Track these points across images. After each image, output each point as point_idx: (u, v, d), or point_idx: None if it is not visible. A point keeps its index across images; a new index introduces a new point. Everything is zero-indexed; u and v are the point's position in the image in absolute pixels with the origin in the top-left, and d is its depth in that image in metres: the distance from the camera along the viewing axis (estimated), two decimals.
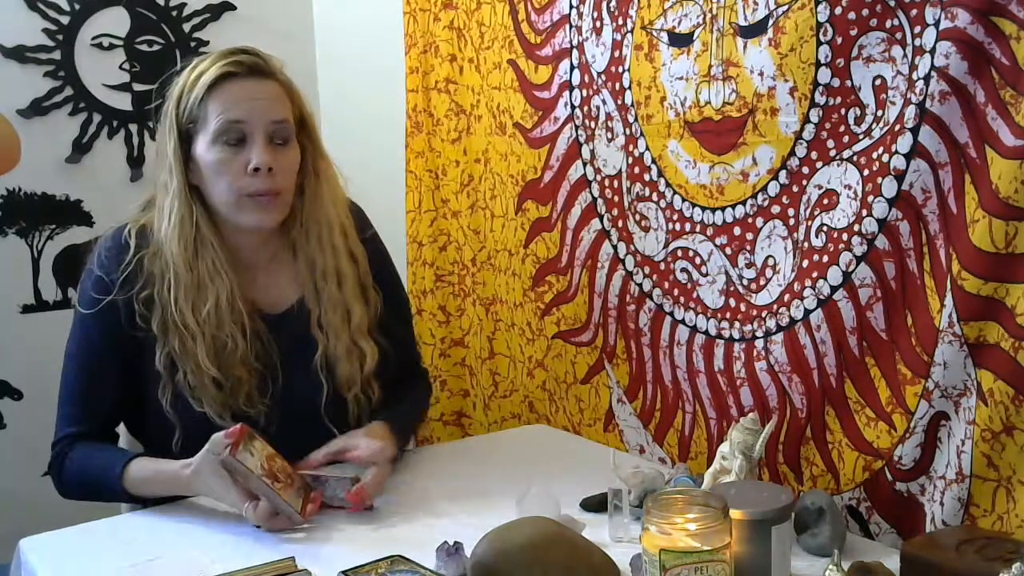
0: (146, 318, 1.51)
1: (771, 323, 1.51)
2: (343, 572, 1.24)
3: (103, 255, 1.55)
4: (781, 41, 1.44)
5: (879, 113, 1.35)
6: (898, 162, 1.31)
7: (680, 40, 1.61)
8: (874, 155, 1.35)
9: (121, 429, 1.67)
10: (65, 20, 2.47)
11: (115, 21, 2.54)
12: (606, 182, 1.81)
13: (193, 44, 2.65)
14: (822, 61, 1.40)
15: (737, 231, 1.57)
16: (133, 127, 2.58)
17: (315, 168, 1.59)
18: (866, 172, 1.36)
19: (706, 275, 1.63)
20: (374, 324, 1.63)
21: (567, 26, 1.85)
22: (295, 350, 1.58)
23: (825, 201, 1.42)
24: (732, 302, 1.60)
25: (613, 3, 1.74)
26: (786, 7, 1.43)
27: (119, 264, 1.52)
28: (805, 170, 1.45)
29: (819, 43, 1.40)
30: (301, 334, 1.58)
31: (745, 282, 1.57)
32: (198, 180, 1.52)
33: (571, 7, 1.83)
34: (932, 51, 1.26)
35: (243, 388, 1.52)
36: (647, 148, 1.71)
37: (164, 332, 1.51)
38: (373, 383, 1.61)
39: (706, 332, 1.65)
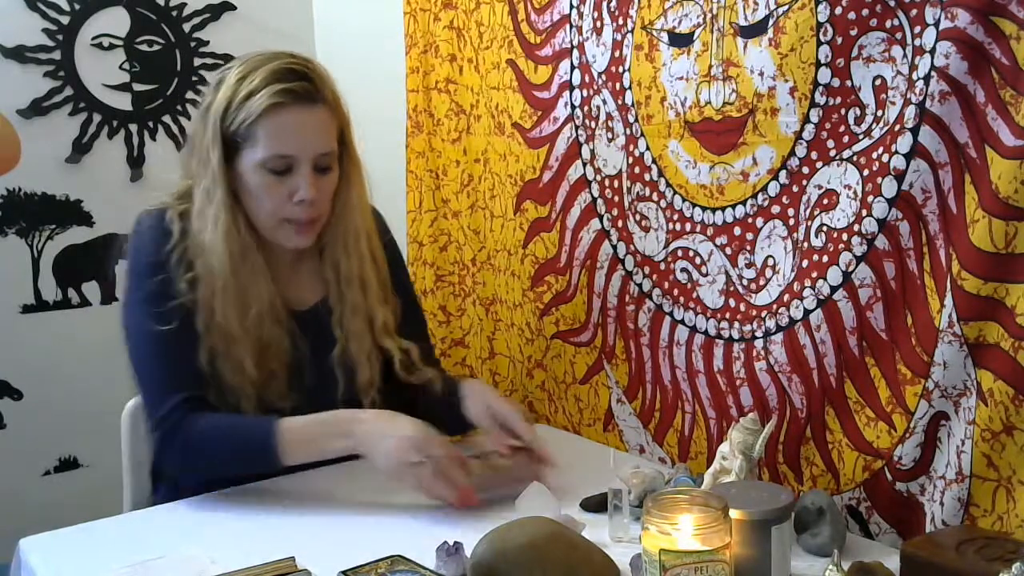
0: (189, 308, 1.52)
1: (771, 323, 1.51)
2: (343, 572, 1.24)
3: (147, 238, 1.56)
4: (781, 41, 1.44)
5: (879, 113, 1.35)
6: (898, 162, 1.31)
7: (680, 40, 1.61)
8: (874, 155, 1.35)
9: None
10: (65, 20, 2.47)
11: (115, 21, 2.54)
12: (606, 182, 1.81)
13: (193, 44, 2.65)
14: (822, 61, 1.40)
15: (737, 231, 1.57)
16: (133, 127, 2.58)
17: (348, 177, 1.62)
18: (866, 172, 1.36)
19: (706, 275, 1.63)
20: (395, 326, 1.66)
21: (567, 26, 1.85)
22: (317, 346, 1.61)
23: (825, 201, 1.42)
24: (732, 302, 1.60)
25: (613, 3, 1.74)
26: (786, 7, 1.43)
27: (166, 246, 1.53)
28: (805, 170, 1.45)
29: (819, 43, 1.40)
30: (323, 331, 1.63)
31: (745, 282, 1.57)
32: (239, 188, 1.54)
33: (571, 7, 1.83)
34: (932, 51, 1.26)
35: (276, 382, 1.56)
36: (647, 148, 1.71)
37: (207, 331, 1.53)
38: (407, 377, 1.65)
39: (706, 332, 1.65)
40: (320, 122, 1.53)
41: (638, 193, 1.74)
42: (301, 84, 1.51)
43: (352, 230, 1.62)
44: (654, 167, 1.70)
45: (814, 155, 1.44)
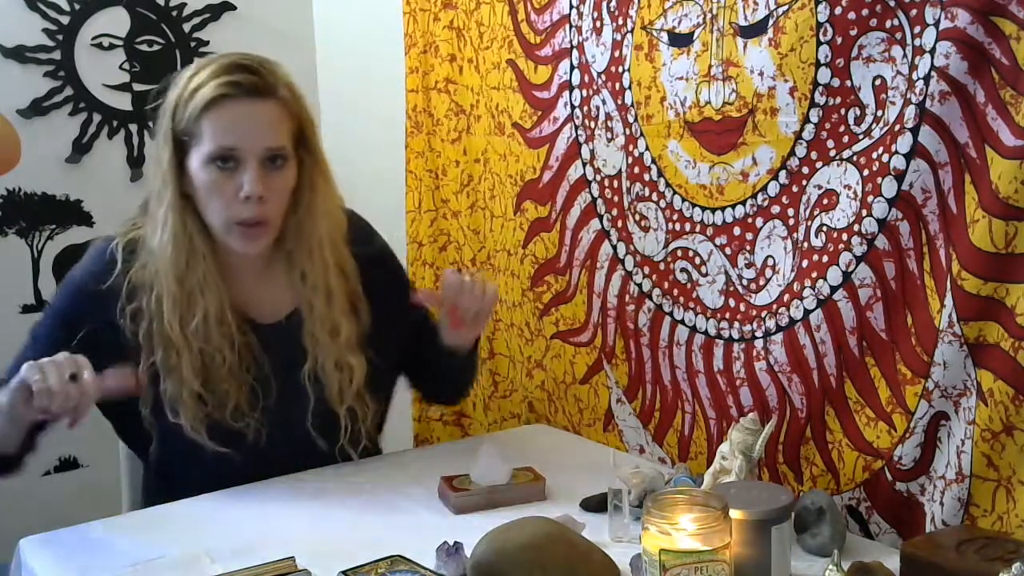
0: (133, 330, 1.49)
1: (771, 323, 1.51)
2: (343, 572, 1.24)
3: (89, 266, 1.54)
4: (781, 41, 1.44)
5: (879, 113, 1.35)
6: (898, 162, 1.31)
7: (680, 40, 1.61)
8: (874, 155, 1.35)
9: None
10: (65, 20, 2.47)
11: (115, 21, 2.53)
12: (606, 182, 1.81)
13: (193, 44, 2.64)
14: (822, 61, 1.40)
15: (737, 231, 1.57)
16: (133, 127, 2.58)
17: (311, 182, 1.54)
18: (866, 172, 1.36)
19: (706, 275, 1.63)
20: (363, 339, 1.59)
21: (567, 26, 1.85)
22: (287, 361, 1.55)
23: (825, 201, 1.42)
24: (732, 302, 1.60)
25: (613, 3, 1.74)
26: (786, 7, 1.43)
27: (104, 278, 1.49)
28: (805, 170, 1.45)
29: (819, 43, 1.40)
30: (294, 345, 1.56)
31: (745, 282, 1.57)
32: (191, 191, 1.48)
33: (571, 7, 1.83)
34: (932, 51, 1.26)
35: (230, 402, 1.49)
36: (647, 148, 1.71)
37: (149, 343, 1.48)
38: (365, 397, 1.58)
39: (705, 332, 1.65)
40: (268, 116, 1.46)
41: (638, 193, 1.74)
42: (247, 77, 1.45)
43: (316, 236, 1.54)
44: (654, 167, 1.70)
45: (814, 155, 1.44)
